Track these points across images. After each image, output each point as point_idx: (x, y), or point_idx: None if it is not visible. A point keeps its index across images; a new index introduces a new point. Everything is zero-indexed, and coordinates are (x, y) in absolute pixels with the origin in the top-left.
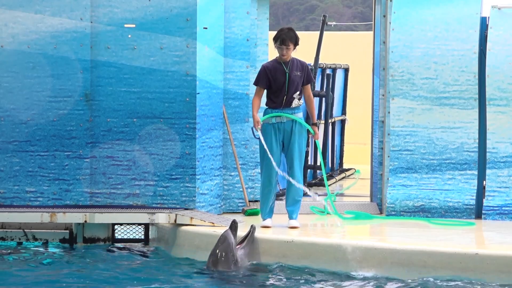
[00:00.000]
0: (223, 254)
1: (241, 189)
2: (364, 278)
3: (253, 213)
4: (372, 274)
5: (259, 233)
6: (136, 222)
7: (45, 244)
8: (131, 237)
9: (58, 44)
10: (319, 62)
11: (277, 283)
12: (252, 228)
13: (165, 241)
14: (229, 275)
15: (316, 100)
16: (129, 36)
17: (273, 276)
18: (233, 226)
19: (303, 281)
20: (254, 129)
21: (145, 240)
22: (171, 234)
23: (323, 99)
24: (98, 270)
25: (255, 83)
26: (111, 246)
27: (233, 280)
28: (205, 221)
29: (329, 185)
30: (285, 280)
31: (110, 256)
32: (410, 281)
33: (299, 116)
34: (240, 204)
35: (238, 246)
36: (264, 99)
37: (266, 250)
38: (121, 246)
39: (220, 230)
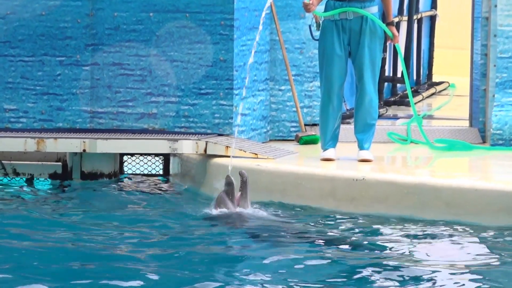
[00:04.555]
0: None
1: (294, 109)
2: (458, 229)
3: (310, 141)
4: (469, 223)
5: (318, 168)
6: (152, 152)
7: (30, 180)
8: (145, 171)
9: None
10: None
11: (338, 234)
12: (242, 177)
13: (191, 177)
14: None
15: None
16: None
17: (337, 224)
18: (229, 189)
19: (373, 231)
20: (312, 28)
21: (164, 176)
22: (199, 168)
23: None
24: (98, 210)
25: None
26: (118, 183)
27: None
28: (245, 152)
29: (415, 104)
30: (351, 230)
31: (117, 196)
32: None
33: (373, 11)
34: (293, 129)
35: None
36: None
37: (328, 190)
38: (132, 183)
39: (265, 164)
